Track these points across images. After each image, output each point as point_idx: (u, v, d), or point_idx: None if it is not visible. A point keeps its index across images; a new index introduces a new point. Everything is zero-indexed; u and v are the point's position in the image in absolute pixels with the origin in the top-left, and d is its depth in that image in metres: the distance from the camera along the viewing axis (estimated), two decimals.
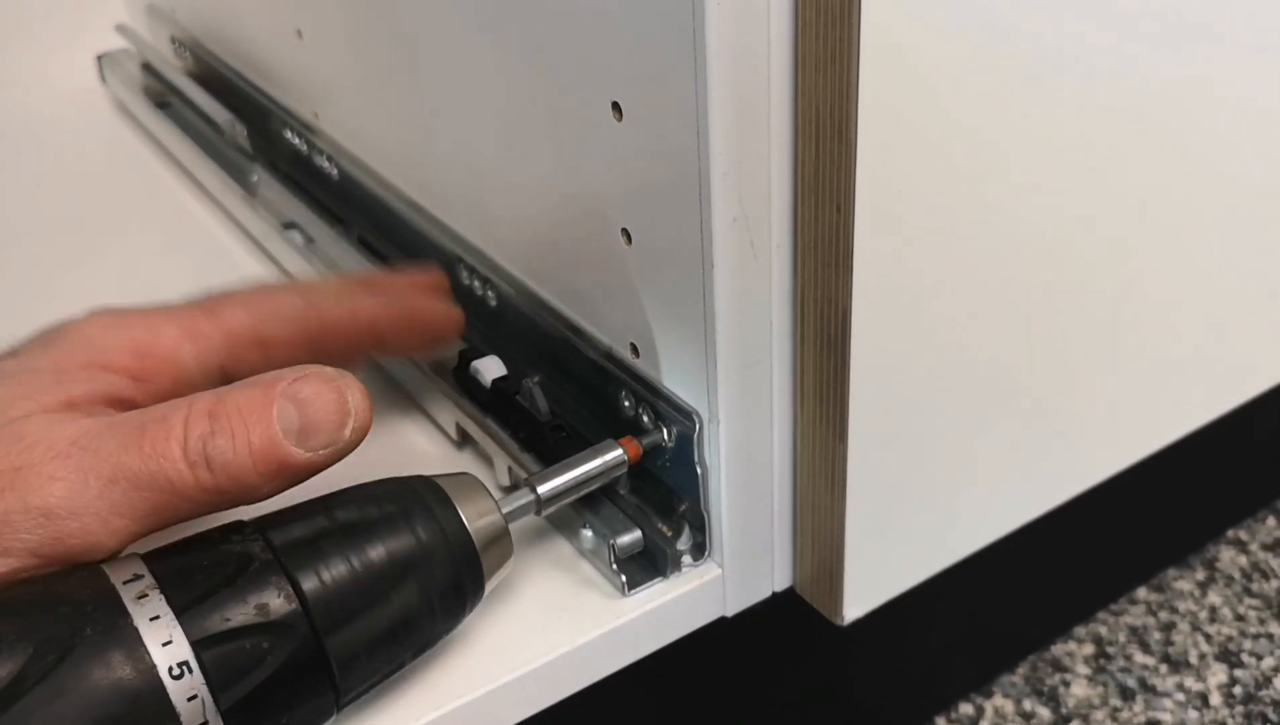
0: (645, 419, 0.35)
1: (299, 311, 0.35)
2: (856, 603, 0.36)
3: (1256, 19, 0.37)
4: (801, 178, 0.30)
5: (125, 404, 0.31)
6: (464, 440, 0.41)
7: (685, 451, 0.34)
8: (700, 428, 0.33)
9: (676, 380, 0.34)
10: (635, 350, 0.35)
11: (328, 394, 0.29)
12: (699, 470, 0.34)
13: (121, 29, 0.69)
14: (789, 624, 0.39)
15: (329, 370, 0.30)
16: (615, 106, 0.31)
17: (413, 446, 0.41)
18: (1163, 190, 0.38)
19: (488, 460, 0.39)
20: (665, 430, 0.34)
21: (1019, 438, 0.38)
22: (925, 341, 0.34)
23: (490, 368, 0.39)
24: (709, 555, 0.35)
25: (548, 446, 0.36)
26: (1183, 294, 0.41)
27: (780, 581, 0.37)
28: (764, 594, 0.37)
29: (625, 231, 0.33)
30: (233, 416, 0.28)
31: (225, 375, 0.33)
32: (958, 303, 0.34)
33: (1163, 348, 0.42)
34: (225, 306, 0.34)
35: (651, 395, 0.35)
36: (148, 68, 0.65)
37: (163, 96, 0.64)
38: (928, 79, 0.29)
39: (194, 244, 0.56)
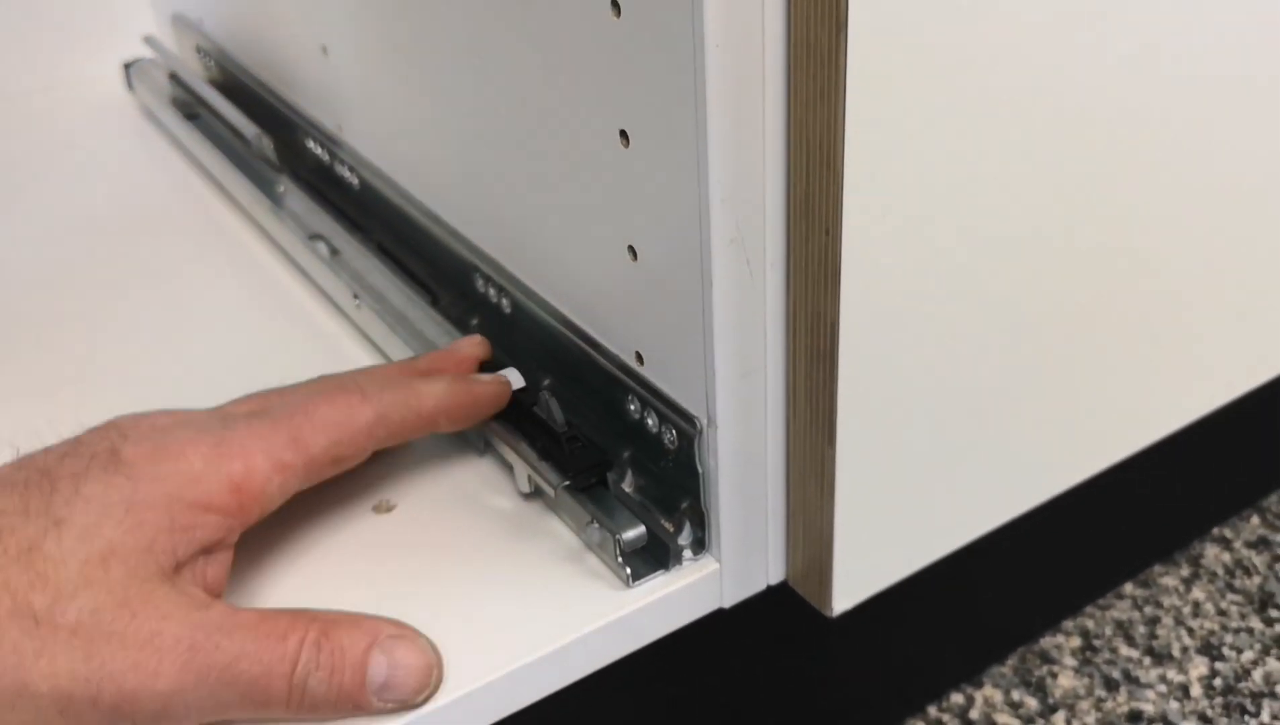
0: (649, 422, 0.37)
1: (370, 425, 0.36)
2: (845, 596, 0.38)
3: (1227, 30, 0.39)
4: (794, 203, 0.32)
5: (217, 546, 0.33)
6: (486, 448, 0.43)
7: (687, 453, 0.36)
8: (701, 432, 0.35)
9: (678, 387, 0.36)
10: (640, 358, 0.37)
11: (417, 666, 0.32)
12: (699, 470, 0.36)
13: (148, 39, 0.72)
14: (783, 615, 0.40)
15: (422, 638, 0.33)
16: (623, 134, 0.33)
17: (437, 453, 0.44)
18: (1140, 206, 0.40)
19: (508, 468, 0.41)
20: (668, 433, 0.37)
21: (1000, 441, 0.40)
22: (909, 353, 0.36)
23: (510, 380, 0.41)
24: (708, 550, 0.38)
25: (564, 455, 0.38)
26: (1164, 299, 0.43)
27: (774, 575, 0.39)
28: (759, 587, 0.39)
29: (631, 248, 0.35)
30: (335, 653, 0.31)
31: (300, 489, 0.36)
32: (940, 316, 0.36)
33: (1144, 352, 0.43)
34: (306, 433, 0.35)
35: (656, 400, 0.37)
36: (175, 78, 0.68)
37: (190, 107, 0.66)
38: (910, 112, 0.31)
39: (224, 253, 0.58)
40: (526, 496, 0.41)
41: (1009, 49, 0.33)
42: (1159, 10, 0.36)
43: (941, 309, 0.36)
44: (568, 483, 0.38)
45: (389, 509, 0.41)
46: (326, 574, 0.38)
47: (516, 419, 0.40)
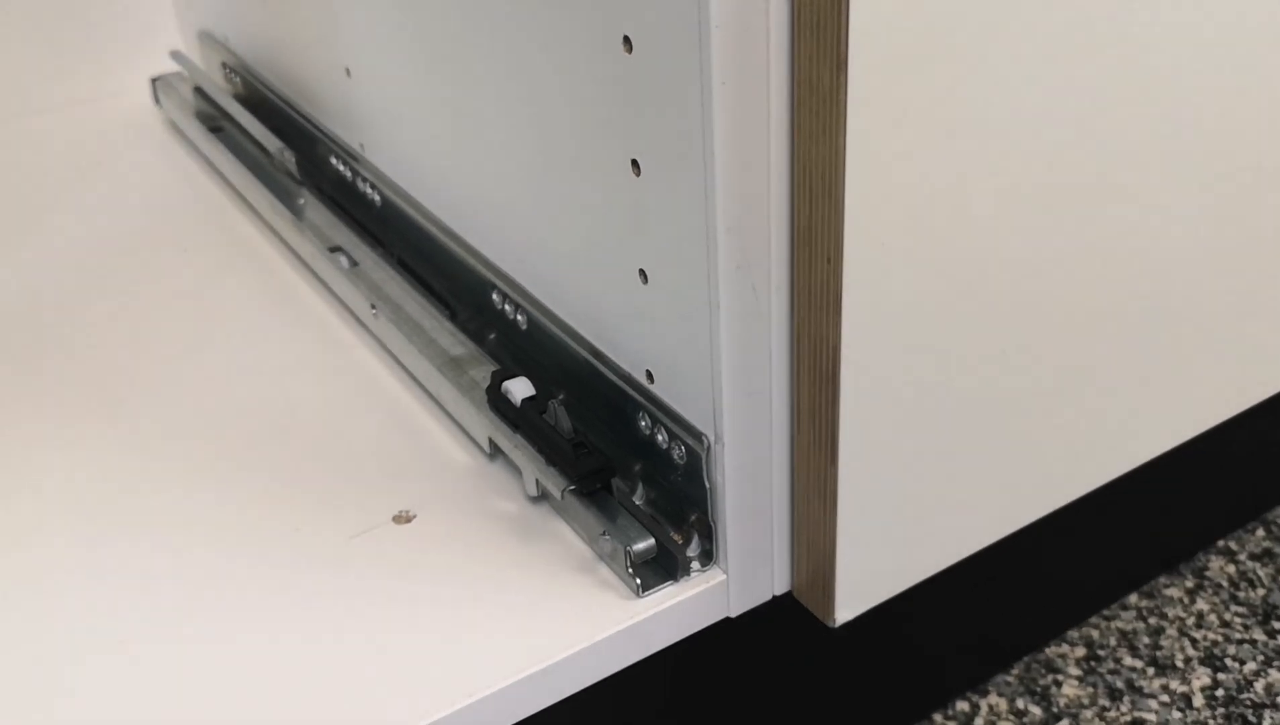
0: (659, 438, 0.39)
1: None
2: (847, 606, 0.39)
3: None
4: (797, 232, 0.33)
5: None
6: (495, 453, 0.44)
7: (695, 469, 0.37)
8: (709, 448, 0.36)
9: (687, 405, 0.37)
10: (650, 376, 0.39)
11: None
12: (707, 485, 0.37)
13: (175, 55, 0.73)
14: (788, 624, 0.42)
15: None
16: (634, 163, 0.34)
17: (449, 458, 0.45)
18: (1139, 226, 0.41)
19: (516, 472, 0.43)
20: (678, 449, 0.38)
21: (1000, 458, 0.41)
22: (909, 374, 0.37)
23: (520, 388, 0.42)
24: (715, 562, 0.39)
25: (570, 461, 0.40)
26: (1167, 314, 0.44)
27: (779, 586, 0.40)
28: (764, 597, 0.40)
29: (642, 272, 0.36)
30: None
31: None
32: (939, 339, 0.37)
33: (1146, 367, 0.44)
34: None
35: (665, 417, 0.38)
36: (200, 92, 0.69)
37: (215, 120, 0.68)
38: (908, 146, 0.33)
39: (245, 263, 0.59)
40: (534, 500, 0.42)
41: (1004, 83, 0.34)
42: (1154, 42, 0.37)
43: (940, 332, 0.37)
44: (573, 487, 0.39)
45: (409, 519, 0.42)
46: (349, 587, 0.39)
47: (526, 425, 0.42)
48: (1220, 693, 0.52)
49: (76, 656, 0.37)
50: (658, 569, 0.39)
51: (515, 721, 0.36)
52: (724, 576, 0.38)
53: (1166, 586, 0.57)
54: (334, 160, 0.58)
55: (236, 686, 0.36)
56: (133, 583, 0.40)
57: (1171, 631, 0.55)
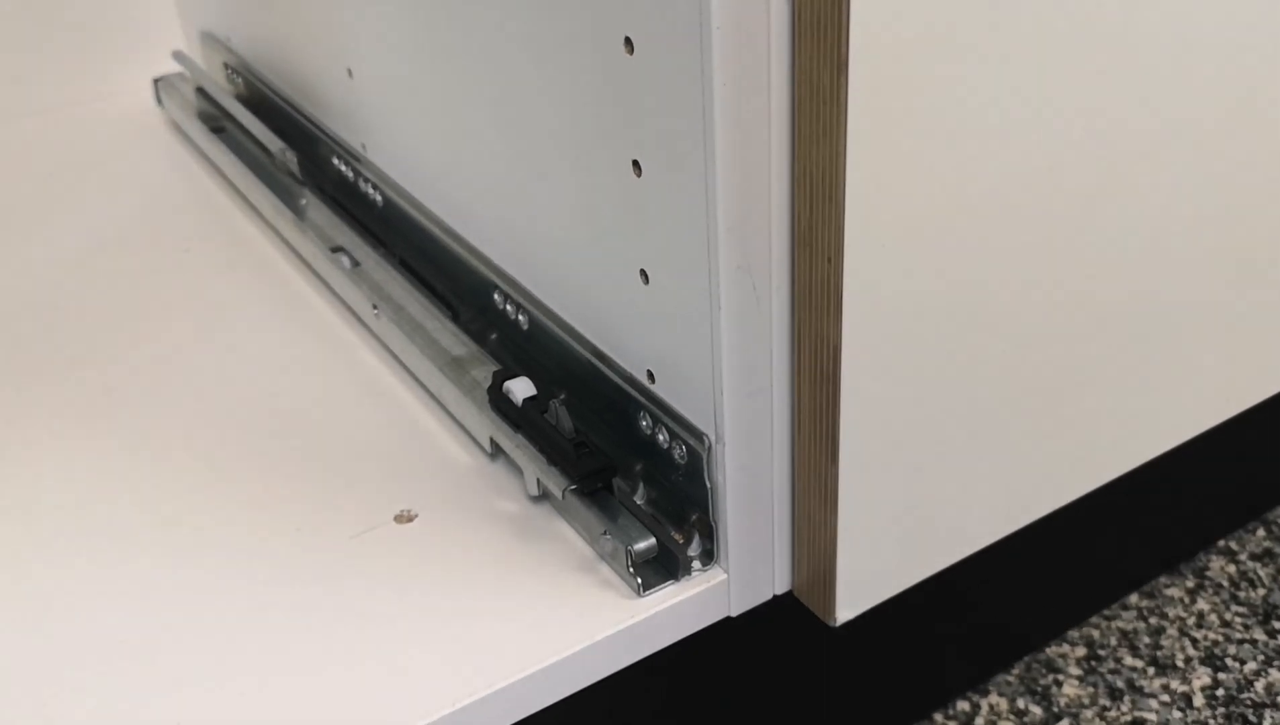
0: (660, 438, 0.39)
1: None
2: (848, 606, 0.39)
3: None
4: (798, 232, 0.33)
5: None
6: (496, 452, 0.44)
7: (696, 468, 0.37)
8: (709, 448, 0.37)
9: (688, 405, 0.37)
10: (651, 376, 0.39)
11: None
12: (708, 485, 0.37)
13: (177, 55, 0.74)
14: (788, 624, 0.42)
15: None
16: (635, 164, 0.34)
17: (451, 458, 0.45)
18: (1139, 226, 0.41)
19: (518, 472, 0.43)
20: (678, 448, 0.38)
21: (1000, 457, 0.41)
22: (910, 374, 0.37)
23: (521, 388, 0.42)
24: (716, 561, 0.39)
25: (571, 461, 0.40)
26: (1166, 314, 0.44)
27: (780, 586, 0.40)
28: (765, 597, 0.40)
29: (643, 272, 0.36)
30: None
31: None
32: (939, 339, 0.37)
33: (1146, 367, 0.44)
34: None
35: (666, 417, 0.38)
36: (202, 92, 0.69)
37: (217, 121, 0.68)
38: (908, 147, 0.33)
39: (246, 263, 0.59)
40: (535, 499, 0.42)
41: (1003, 83, 0.34)
42: (1154, 42, 0.37)
43: (940, 332, 0.37)
44: (574, 487, 0.39)
45: (410, 518, 0.42)
46: (350, 587, 0.39)
47: (527, 425, 0.42)
48: (1220, 692, 0.52)
49: (76, 656, 0.38)
50: (658, 568, 0.39)
51: (515, 721, 0.36)
52: (725, 576, 0.39)
53: (1167, 586, 0.57)
54: (336, 160, 0.58)
55: (237, 686, 0.36)
56: (133, 582, 0.40)
57: (1172, 631, 0.55)
